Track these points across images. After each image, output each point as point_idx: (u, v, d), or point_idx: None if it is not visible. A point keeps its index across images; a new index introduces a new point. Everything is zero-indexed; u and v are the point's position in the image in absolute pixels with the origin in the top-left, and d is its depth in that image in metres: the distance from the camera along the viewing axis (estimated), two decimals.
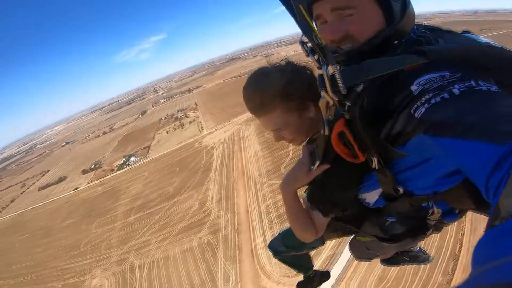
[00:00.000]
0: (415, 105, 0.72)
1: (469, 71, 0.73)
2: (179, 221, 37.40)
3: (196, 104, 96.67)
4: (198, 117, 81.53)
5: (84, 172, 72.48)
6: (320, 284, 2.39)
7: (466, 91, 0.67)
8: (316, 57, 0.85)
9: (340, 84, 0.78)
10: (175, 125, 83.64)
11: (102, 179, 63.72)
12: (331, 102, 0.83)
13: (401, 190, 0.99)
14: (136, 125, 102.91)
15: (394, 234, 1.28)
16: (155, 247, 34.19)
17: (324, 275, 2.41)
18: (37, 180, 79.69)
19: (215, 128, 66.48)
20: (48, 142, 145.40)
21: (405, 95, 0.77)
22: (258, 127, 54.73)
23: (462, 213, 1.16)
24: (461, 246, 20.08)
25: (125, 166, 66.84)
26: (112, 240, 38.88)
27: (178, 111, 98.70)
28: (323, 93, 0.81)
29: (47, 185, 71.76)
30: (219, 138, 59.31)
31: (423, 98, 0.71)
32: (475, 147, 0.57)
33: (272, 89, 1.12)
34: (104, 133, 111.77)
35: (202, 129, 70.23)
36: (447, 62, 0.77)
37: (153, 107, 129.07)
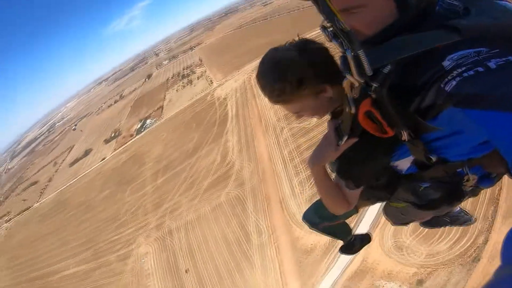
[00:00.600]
0: (446, 79, 0.69)
1: (508, 47, 0.69)
2: (204, 178, 37.68)
3: (200, 60, 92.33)
4: (205, 71, 78.04)
5: (106, 141, 74.34)
6: (362, 247, 2.42)
7: (503, 65, 0.63)
8: (339, 41, 0.82)
9: (366, 66, 0.75)
10: (183, 82, 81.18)
11: (124, 145, 65.04)
12: (356, 84, 0.82)
13: (434, 158, 0.97)
14: (145, 89, 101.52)
15: (429, 200, 1.26)
16: (187, 208, 35.03)
17: (365, 239, 2.45)
18: (66, 157, 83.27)
19: (225, 80, 63.53)
20: (65, 119, 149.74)
21: (435, 70, 0.73)
22: None
23: (498, 177, 1.12)
24: (500, 188, 18.16)
25: (142, 130, 67.41)
26: (147, 205, 40.35)
27: (183, 69, 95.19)
28: (348, 76, 0.80)
29: (76, 160, 74.88)
30: (231, 88, 56.80)
31: (455, 72, 0.68)
32: (507, 118, 0.55)
33: (289, 82, 1.09)
34: (116, 101, 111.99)
35: (212, 83, 67.58)
36: (483, 38, 0.73)
37: (157, 69, 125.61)
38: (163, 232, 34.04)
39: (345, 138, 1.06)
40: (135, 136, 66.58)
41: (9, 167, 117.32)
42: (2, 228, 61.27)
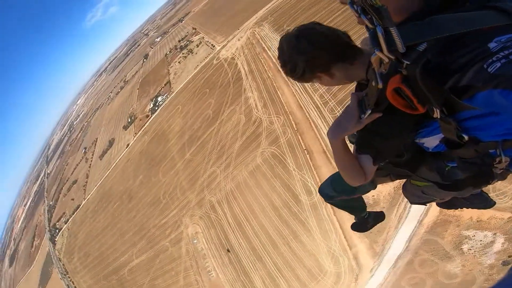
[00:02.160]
0: (490, 60, 0.66)
1: None
2: (233, 142, 35.87)
3: (194, 29, 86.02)
4: (203, 38, 72.96)
5: (125, 127, 74.49)
6: (375, 225, 2.39)
7: None
8: (368, 17, 0.79)
9: (398, 43, 0.72)
10: (183, 53, 76.62)
11: (143, 127, 64.75)
12: (386, 60, 0.78)
13: (466, 138, 0.94)
14: (146, 69, 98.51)
15: (455, 180, 1.21)
16: (223, 178, 33.74)
17: (379, 216, 2.41)
18: (94, 151, 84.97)
19: (227, 40, 58.87)
20: (81, 115, 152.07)
21: (479, 51, 0.70)
22: (273, 24, 46.93)
23: None
24: None
25: (156, 108, 66.25)
26: (182, 183, 39.91)
27: (179, 41, 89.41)
28: (377, 52, 0.77)
29: (104, 152, 76.39)
30: (236, 47, 52.56)
31: (501, 54, 0.65)
32: None
33: (303, 67, 1.25)
34: (121, 87, 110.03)
35: (213, 46, 63.06)
36: None
37: (152, 48, 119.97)
38: (206, 209, 33.47)
39: (368, 112, 1.04)
40: (151, 116, 65.82)
41: (48, 171, 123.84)
42: (64, 230, 65.62)
